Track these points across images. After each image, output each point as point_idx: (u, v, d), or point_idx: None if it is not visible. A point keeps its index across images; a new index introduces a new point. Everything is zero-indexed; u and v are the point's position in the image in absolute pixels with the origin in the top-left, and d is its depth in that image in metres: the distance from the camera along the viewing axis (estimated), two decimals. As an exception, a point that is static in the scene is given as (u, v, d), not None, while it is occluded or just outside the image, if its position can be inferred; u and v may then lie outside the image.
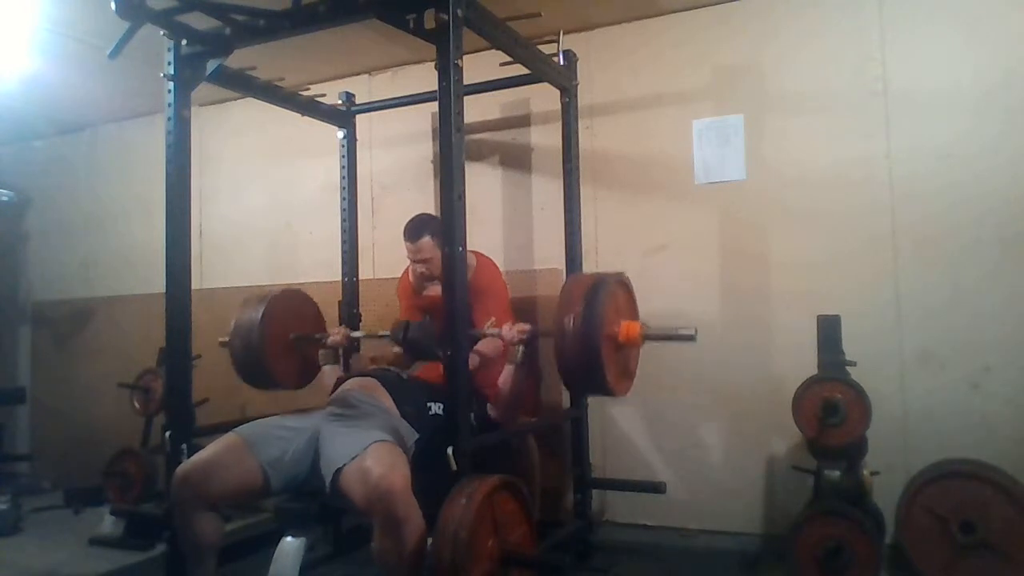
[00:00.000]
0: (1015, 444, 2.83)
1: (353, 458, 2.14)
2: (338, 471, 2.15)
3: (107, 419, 4.54)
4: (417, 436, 2.49)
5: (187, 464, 2.28)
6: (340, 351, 3.06)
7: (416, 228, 2.98)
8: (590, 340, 2.44)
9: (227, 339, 2.99)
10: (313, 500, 2.34)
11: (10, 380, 5.14)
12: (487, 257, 3.18)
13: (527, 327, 2.67)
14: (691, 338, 2.60)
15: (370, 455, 2.14)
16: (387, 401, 2.58)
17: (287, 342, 3.06)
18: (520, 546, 2.12)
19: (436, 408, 2.63)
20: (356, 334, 3.16)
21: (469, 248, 2.66)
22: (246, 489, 2.29)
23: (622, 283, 2.71)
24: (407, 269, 3.24)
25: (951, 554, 2.63)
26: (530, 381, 3.08)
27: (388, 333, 2.89)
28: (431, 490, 2.10)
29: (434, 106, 2.26)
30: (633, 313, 2.76)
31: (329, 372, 3.00)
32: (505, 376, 2.72)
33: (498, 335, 2.65)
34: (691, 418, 3.36)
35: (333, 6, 2.38)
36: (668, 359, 3.28)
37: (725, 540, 3.25)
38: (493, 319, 2.72)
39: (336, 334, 3.03)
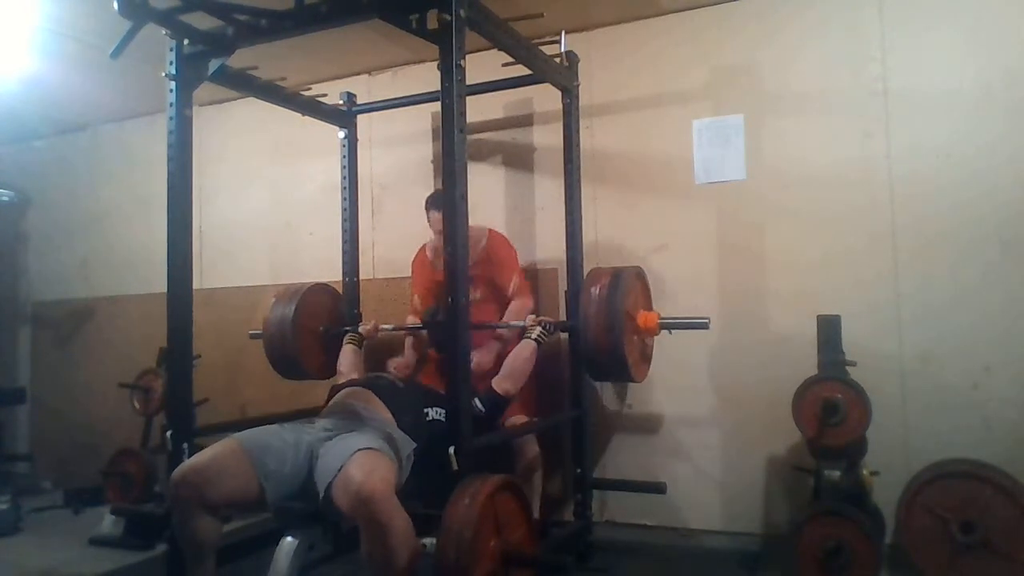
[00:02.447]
0: (1015, 444, 2.84)
1: (339, 469, 2.13)
2: (328, 485, 2.14)
3: (107, 419, 4.55)
4: (415, 445, 2.45)
5: (184, 466, 2.27)
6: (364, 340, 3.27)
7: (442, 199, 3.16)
8: (613, 323, 2.67)
9: (259, 331, 3.31)
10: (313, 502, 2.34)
11: (10, 380, 5.13)
12: (498, 232, 3.39)
13: (548, 319, 2.96)
14: (704, 326, 2.82)
15: (353, 463, 2.12)
16: (383, 412, 2.54)
17: (316, 334, 3.32)
18: (521, 546, 2.13)
19: (434, 413, 2.60)
20: (385, 326, 3.29)
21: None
22: (241, 497, 2.26)
23: (639, 276, 2.98)
24: (424, 245, 3.44)
25: (951, 554, 2.63)
26: (530, 381, 3.10)
27: (414, 325, 3.22)
28: (434, 495, 2.10)
29: (434, 106, 2.27)
30: (649, 303, 3.01)
31: (348, 352, 3.17)
32: (525, 350, 2.77)
33: (521, 327, 2.89)
34: (691, 418, 3.36)
35: (335, 6, 2.38)
36: (668, 359, 3.28)
37: (725, 540, 3.26)
38: (516, 280, 3.17)
39: (368, 324, 3.28)
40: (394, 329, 3.29)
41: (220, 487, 2.22)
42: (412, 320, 3.41)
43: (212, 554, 2.30)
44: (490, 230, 3.34)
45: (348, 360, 3.13)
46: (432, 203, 3.17)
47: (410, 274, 3.58)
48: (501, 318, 3.14)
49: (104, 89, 4.22)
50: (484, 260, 3.19)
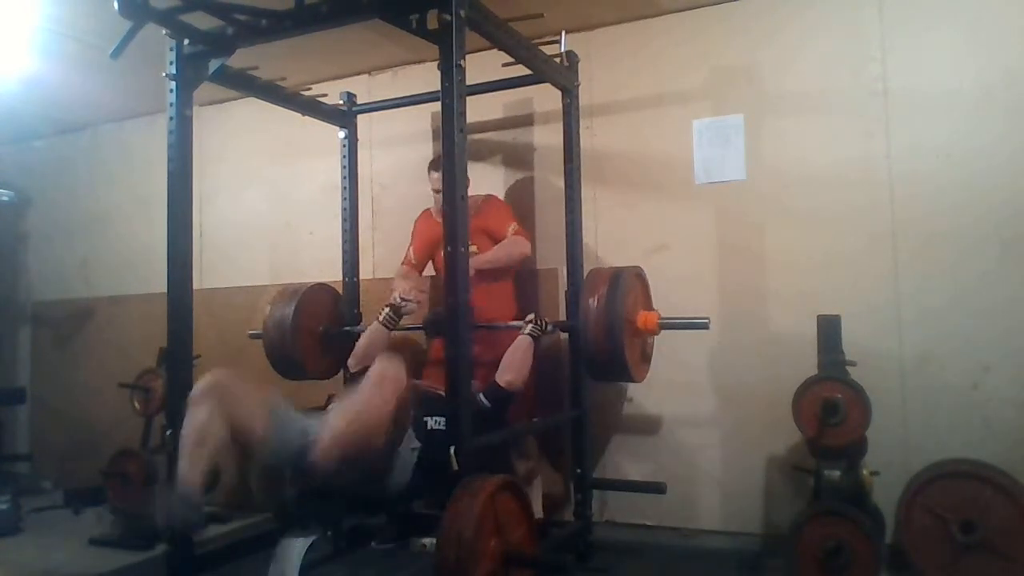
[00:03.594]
0: (1015, 444, 2.84)
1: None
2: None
3: (107, 419, 4.54)
4: (419, 445, 2.46)
5: (218, 372, 2.25)
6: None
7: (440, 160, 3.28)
8: (613, 323, 2.68)
9: (259, 331, 3.27)
10: (314, 501, 2.33)
11: (10, 380, 5.13)
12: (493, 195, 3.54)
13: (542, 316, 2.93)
14: (705, 326, 2.82)
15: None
16: None
17: (316, 335, 3.31)
18: (521, 546, 2.12)
19: (433, 423, 2.55)
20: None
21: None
22: (245, 428, 2.21)
23: (639, 276, 2.97)
24: (429, 208, 3.52)
25: (951, 554, 2.63)
26: (530, 380, 3.10)
27: (420, 326, 3.22)
28: (434, 503, 2.09)
29: (434, 106, 2.27)
30: (649, 303, 3.01)
31: (377, 334, 2.93)
32: (521, 344, 2.76)
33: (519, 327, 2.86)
34: (691, 418, 3.36)
35: (335, 6, 2.38)
36: (669, 359, 3.28)
37: (725, 540, 3.26)
38: (513, 226, 3.26)
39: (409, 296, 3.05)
40: (395, 329, 3.28)
41: (236, 407, 2.20)
42: (404, 270, 3.47)
43: (208, 457, 2.18)
44: (487, 194, 3.49)
45: (367, 348, 2.90)
46: (433, 166, 3.32)
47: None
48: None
49: (104, 89, 4.22)
50: (479, 213, 3.28)
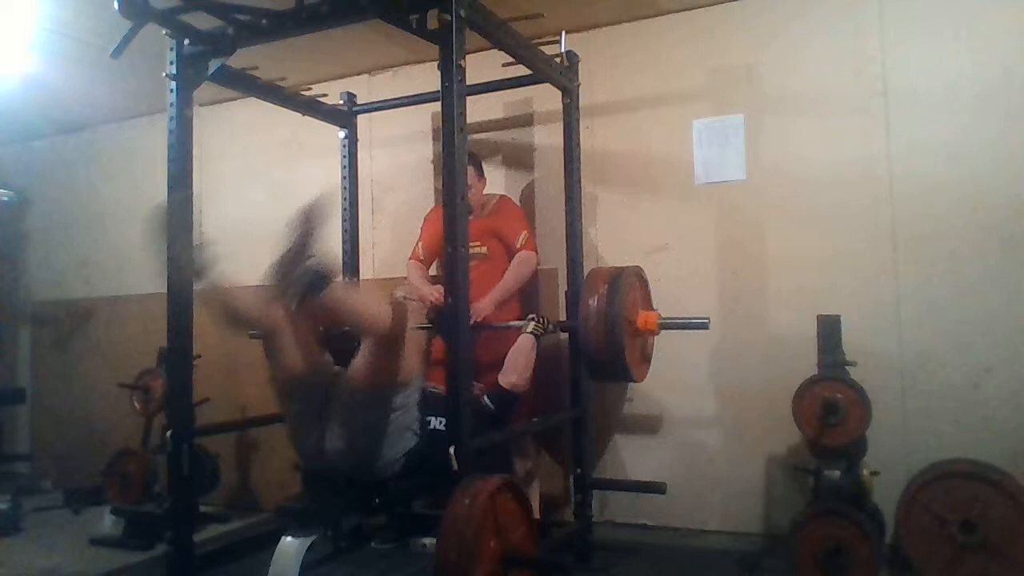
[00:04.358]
0: (1015, 444, 2.84)
1: None
2: None
3: (107, 419, 4.54)
4: (417, 420, 2.46)
5: None
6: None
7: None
8: (613, 323, 2.67)
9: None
10: (315, 500, 2.34)
11: (10, 380, 5.13)
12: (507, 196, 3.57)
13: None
14: (704, 326, 2.80)
15: None
16: None
17: (318, 336, 3.20)
18: (521, 546, 2.12)
19: (436, 423, 2.53)
20: None
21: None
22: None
23: (639, 276, 2.96)
24: (440, 204, 3.44)
25: (951, 554, 2.63)
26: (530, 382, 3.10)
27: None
28: (434, 503, 2.08)
29: (434, 106, 2.27)
30: (649, 303, 2.99)
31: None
32: (524, 344, 2.77)
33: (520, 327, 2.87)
34: (691, 417, 3.37)
35: (335, 6, 2.38)
36: (669, 359, 3.28)
37: (725, 540, 3.26)
38: (524, 234, 3.28)
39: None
40: None
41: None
42: (412, 264, 3.48)
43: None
44: (502, 195, 3.51)
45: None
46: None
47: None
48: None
49: (104, 89, 4.22)
50: (493, 214, 3.34)
